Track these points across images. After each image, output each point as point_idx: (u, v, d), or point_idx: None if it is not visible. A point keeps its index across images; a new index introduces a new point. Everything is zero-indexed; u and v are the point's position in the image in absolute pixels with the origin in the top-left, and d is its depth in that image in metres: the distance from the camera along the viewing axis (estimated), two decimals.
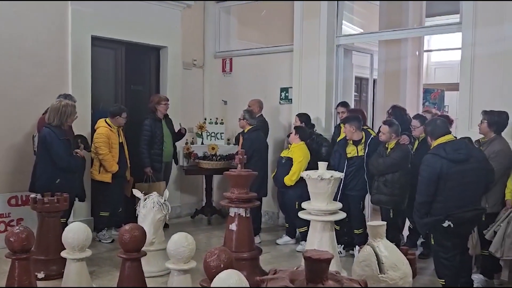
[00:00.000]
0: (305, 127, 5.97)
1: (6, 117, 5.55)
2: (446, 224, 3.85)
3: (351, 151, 5.38)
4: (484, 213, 4.16)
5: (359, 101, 9.44)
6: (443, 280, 4.02)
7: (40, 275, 4.40)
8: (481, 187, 4.03)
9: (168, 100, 6.51)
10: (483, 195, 4.18)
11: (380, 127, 5.39)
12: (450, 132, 4.11)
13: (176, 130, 6.70)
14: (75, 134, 5.66)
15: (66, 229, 4.14)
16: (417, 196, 4.04)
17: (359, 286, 2.32)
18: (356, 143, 5.37)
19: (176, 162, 6.86)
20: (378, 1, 8.05)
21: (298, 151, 5.66)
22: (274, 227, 6.94)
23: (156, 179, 6.31)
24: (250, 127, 6.00)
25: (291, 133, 5.93)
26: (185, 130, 6.77)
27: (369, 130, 5.76)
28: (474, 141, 4.66)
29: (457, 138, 4.26)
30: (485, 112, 4.64)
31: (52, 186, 4.85)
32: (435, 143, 4.02)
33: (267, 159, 6.16)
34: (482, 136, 4.72)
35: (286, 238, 6.09)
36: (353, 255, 5.44)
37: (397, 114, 6.10)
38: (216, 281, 2.77)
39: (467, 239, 4.23)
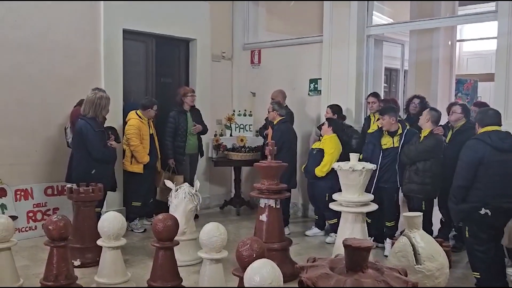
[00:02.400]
0: (337, 119, 5.93)
1: (40, 109, 5.70)
2: (483, 211, 3.80)
3: (386, 142, 5.29)
4: None
5: (389, 92, 9.33)
6: (478, 273, 3.95)
7: (76, 262, 4.52)
8: None
9: (194, 92, 6.55)
10: None
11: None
12: (500, 124, 4.03)
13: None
14: (106, 126, 5.76)
15: (101, 218, 4.23)
16: (455, 180, 3.99)
17: (399, 275, 2.30)
18: (392, 134, 5.28)
19: (202, 154, 6.88)
20: None
21: (330, 143, 5.63)
22: (303, 218, 6.93)
23: (178, 172, 6.36)
24: (280, 118, 6.00)
25: (322, 124, 5.89)
26: (203, 127, 6.64)
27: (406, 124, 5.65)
28: None
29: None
30: None
31: (88, 177, 4.96)
32: (481, 130, 3.97)
33: (296, 150, 6.14)
34: None
35: (315, 230, 6.08)
36: (383, 248, 5.39)
37: (424, 104, 6.02)
38: (249, 270, 2.79)
39: (501, 232, 4.13)
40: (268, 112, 6.10)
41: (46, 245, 3.76)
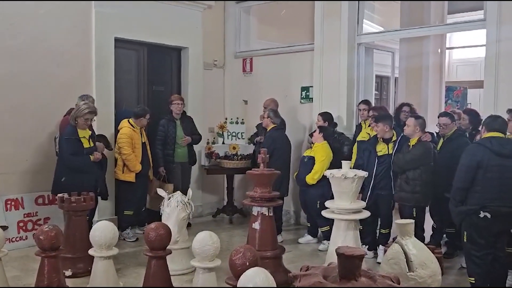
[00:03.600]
0: (328, 126, 5.95)
1: (32, 117, 5.67)
2: (482, 214, 3.85)
3: (381, 149, 5.31)
4: None
5: (380, 99, 9.40)
6: (473, 279, 3.99)
7: (68, 272, 4.48)
8: None
9: (181, 100, 6.50)
10: None
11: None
12: (504, 133, 4.09)
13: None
14: (97, 134, 5.76)
15: (93, 227, 4.22)
16: (454, 182, 4.08)
17: (392, 283, 2.31)
18: (386, 141, 5.30)
19: (193, 163, 6.82)
20: (400, 0, 7.98)
21: (320, 151, 5.65)
22: (295, 226, 6.94)
23: (168, 180, 6.35)
24: (273, 125, 6.02)
25: (314, 132, 5.92)
26: (193, 138, 6.62)
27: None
28: None
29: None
30: (510, 110, 4.57)
31: (58, 184, 5.00)
32: (486, 135, 4.03)
33: (289, 158, 6.15)
34: (508, 134, 4.63)
35: (308, 237, 6.08)
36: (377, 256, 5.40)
37: (413, 112, 6.08)
38: (243, 279, 2.79)
39: (500, 238, 4.07)
40: (263, 118, 6.12)
41: (37, 255, 3.73)
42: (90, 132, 5.28)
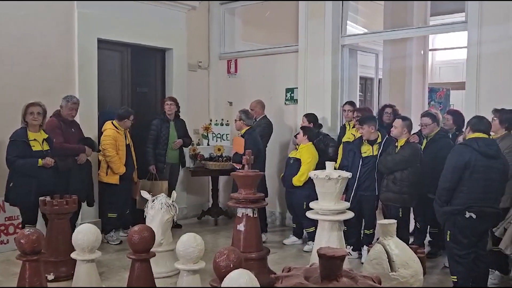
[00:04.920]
0: (312, 127, 5.97)
1: (14, 119, 5.54)
2: (467, 215, 3.89)
3: (366, 150, 5.33)
4: (500, 215, 4.15)
5: (364, 101, 9.46)
6: (455, 277, 4.03)
7: (50, 276, 4.42)
8: (503, 188, 4.06)
9: (172, 100, 6.54)
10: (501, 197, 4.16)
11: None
12: (489, 134, 4.15)
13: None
14: (82, 136, 5.71)
15: (76, 230, 4.17)
16: (441, 183, 4.09)
17: (373, 283, 2.32)
18: (371, 142, 5.32)
19: (183, 165, 6.87)
20: (383, 1, 8.05)
21: (306, 152, 5.67)
22: (281, 227, 6.94)
23: (159, 178, 6.35)
24: (248, 127, 5.99)
25: (298, 133, 5.93)
26: (184, 141, 6.66)
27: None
28: None
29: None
30: (496, 110, 4.64)
31: (7, 191, 4.87)
32: (471, 135, 4.06)
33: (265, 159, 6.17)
34: (492, 134, 4.70)
35: (293, 238, 6.09)
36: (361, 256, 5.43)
37: (396, 113, 6.13)
38: (226, 281, 2.79)
39: (485, 239, 4.14)
40: (235, 121, 6.10)
41: (18, 259, 3.67)
42: (46, 135, 5.02)
